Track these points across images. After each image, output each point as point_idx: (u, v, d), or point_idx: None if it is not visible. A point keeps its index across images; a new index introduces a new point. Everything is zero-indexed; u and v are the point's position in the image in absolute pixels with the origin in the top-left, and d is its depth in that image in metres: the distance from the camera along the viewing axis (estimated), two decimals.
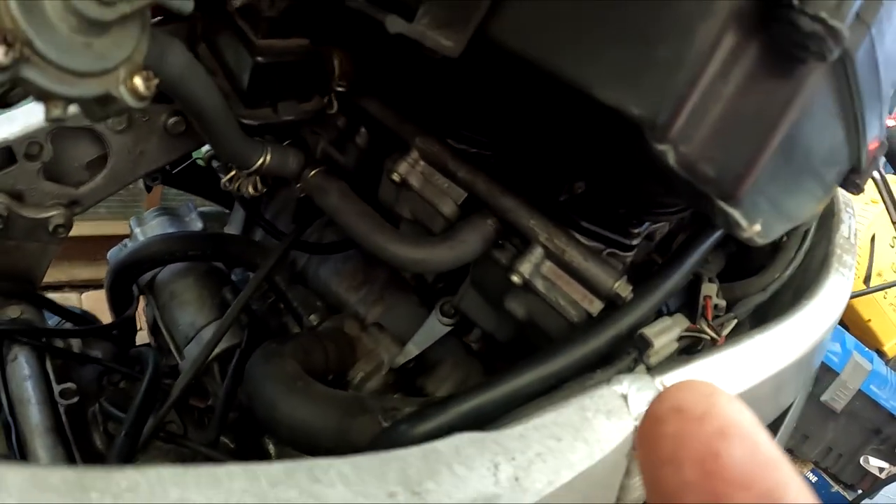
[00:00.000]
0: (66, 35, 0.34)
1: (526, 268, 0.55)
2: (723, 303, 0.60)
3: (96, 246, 1.93)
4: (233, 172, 0.62)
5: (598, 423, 0.39)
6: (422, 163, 0.61)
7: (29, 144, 0.60)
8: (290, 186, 0.82)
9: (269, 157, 0.57)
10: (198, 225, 0.90)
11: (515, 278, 0.55)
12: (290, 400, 0.60)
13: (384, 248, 0.57)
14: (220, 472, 0.24)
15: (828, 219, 0.72)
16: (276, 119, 0.56)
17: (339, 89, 0.59)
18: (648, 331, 0.52)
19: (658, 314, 0.57)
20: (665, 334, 0.52)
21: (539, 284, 0.55)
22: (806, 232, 0.69)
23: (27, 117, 0.60)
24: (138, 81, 0.37)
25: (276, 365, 0.64)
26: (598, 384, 0.43)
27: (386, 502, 0.27)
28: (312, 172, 0.61)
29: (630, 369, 0.50)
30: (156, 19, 0.63)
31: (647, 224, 0.56)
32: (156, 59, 0.42)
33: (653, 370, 0.50)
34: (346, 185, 0.62)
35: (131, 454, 0.63)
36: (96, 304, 0.87)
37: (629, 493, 0.45)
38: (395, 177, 0.61)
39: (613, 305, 0.54)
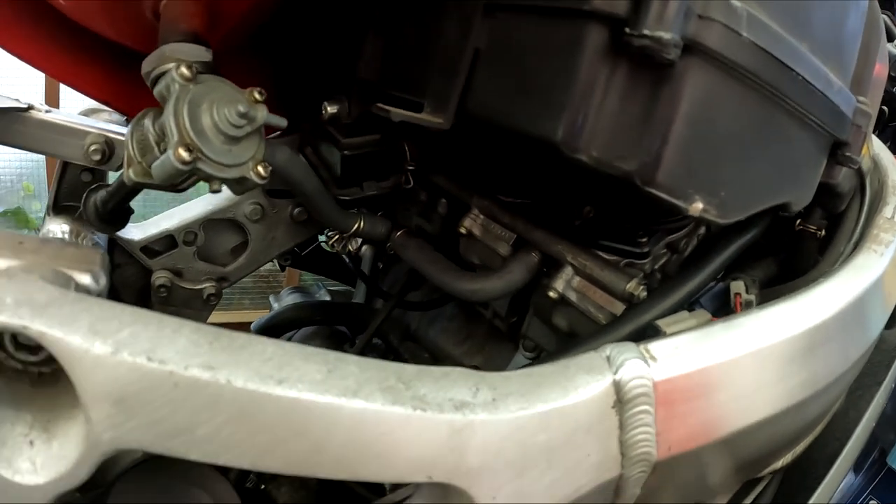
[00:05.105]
0: (218, 145, 0.65)
1: (559, 284, 0.73)
2: (752, 298, 0.72)
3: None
4: (337, 236, 0.90)
5: (578, 375, 0.55)
6: (481, 217, 0.84)
7: (186, 233, 0.92)
8: (401, 262, 1.10)
9: (362, 223, 0.85)
10: (326, 299, 1.21)
11: (552, 293, 0.73)
12: None
13: (449, 283, 0.79)
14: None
15: (875, 203, 0.80)
16: (361, 194, 0.84)
17: (410, 168, 0.86)
18: (662, 321, 0.67)
19: None
20: (679, 324, 0.67)
21: (572, 296, 0.73)
22: (856, 224, 0.79)
23: (183, 213, 0.92)
24: (260, 168, 0.67)
25: None
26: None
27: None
28: (398, 234, 0.87)
29: None
30: (274, 134, 0.96)
31: (658, 234, 0.73)
32: (269, 156, 0.72)
33: None
34: (423, 241, 0.87)
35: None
36: None
37: (631, 447, 0.59)
38: (462, 230, 0.84)
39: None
